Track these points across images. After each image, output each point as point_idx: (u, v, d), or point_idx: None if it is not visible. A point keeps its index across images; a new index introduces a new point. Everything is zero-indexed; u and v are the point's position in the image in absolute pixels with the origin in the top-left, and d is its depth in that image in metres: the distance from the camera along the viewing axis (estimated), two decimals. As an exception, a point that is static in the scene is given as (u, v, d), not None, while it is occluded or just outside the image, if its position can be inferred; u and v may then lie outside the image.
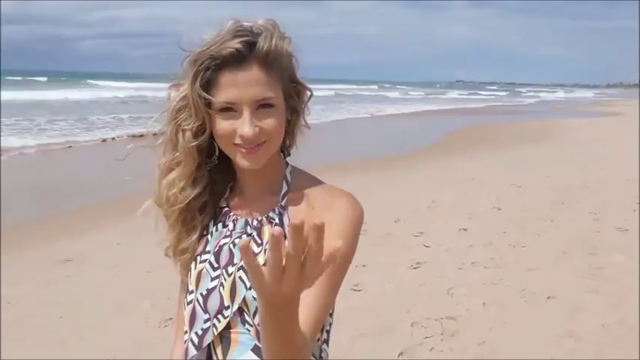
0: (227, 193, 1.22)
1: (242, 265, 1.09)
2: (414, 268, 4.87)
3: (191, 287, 1.16)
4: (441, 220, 6.58)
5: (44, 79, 48.87)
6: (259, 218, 1.14)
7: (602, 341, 3.59)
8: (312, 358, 1.13)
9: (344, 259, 1.08)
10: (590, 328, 3.76)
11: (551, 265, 4.95)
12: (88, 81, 47.32)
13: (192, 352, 1.14)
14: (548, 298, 4.23)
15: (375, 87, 61.19)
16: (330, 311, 1.15)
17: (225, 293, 1.10)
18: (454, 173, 9.78)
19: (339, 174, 6.13)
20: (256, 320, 1.07)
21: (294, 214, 1.11)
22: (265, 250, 1.09)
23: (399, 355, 3.40)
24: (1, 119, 15.24)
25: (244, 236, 1.14)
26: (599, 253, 5.23)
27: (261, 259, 1.07)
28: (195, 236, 1.19)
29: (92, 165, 11.22)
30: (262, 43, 1.06)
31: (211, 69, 1.07)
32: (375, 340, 3.57)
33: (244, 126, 1.05)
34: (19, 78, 43.94)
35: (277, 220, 1.13)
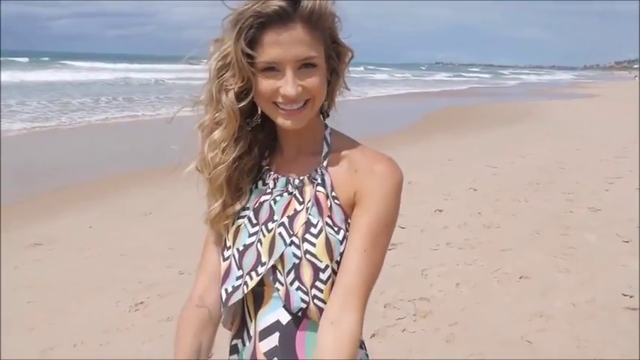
0: (267, 152, 1.22)
1: (282, 222, 1.11)
2: (389, 250, 4.80)
3: (229, 243, 1.16)
4: (417, 201, 6.58)
5: (25, 59, 47.66)
6: (301, 178, 1.14)
7: (573, 320, 3.63)
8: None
9: (388, 224, 1.11)
10: (561, 307, 3.80)
11: (525, 246, 4.99)
12: (68, 62, 46.54)
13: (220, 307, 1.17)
14: (521, 277, 4.26)
15: (361, 69, 61.08)
16: None
17: (263, 249, 1.11)
18: (432, 154, 9.79)
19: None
20: (289, 279, 1.09)
21: (336, 176, 1.13)
22: (307, 209, 1.11)
23: (371, 337, 3.39)
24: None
25: (285, 194, 1.14)
26: (571, 233, 5.28)
27: (302, 218, 1.10)
28: (244, 202, 1.17)
29: (67, 147, 11.02)
30: (306, 2, 1.04)
31: (255, 27, 1.04)
32: (348, 322, 3.55)
33: (287, 85, 1.04)
34: (1, 59, 42.79)
35: (320, 180, 1.13)
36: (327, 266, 1.08)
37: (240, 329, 1.19)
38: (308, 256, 1.07)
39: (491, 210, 6.13)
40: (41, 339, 3.46)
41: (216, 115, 1.11)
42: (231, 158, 1.13)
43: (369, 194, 1.08)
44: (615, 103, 24.35)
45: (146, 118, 14.80)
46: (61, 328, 3.60)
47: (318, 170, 1.13)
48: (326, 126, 1.20)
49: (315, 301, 1.08)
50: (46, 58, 55.36)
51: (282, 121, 1.10)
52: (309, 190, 1.13)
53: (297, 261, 1.08)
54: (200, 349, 1.18)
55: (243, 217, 1.16)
